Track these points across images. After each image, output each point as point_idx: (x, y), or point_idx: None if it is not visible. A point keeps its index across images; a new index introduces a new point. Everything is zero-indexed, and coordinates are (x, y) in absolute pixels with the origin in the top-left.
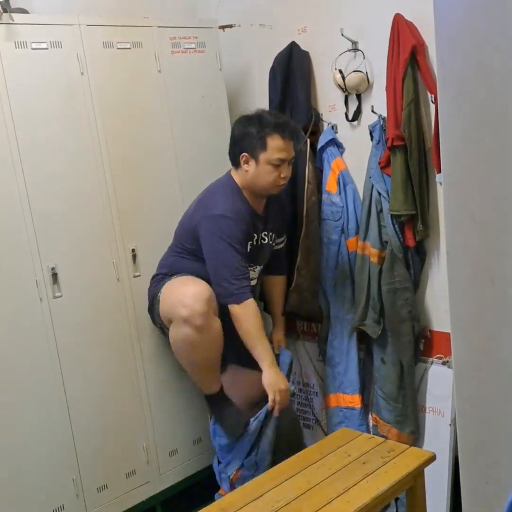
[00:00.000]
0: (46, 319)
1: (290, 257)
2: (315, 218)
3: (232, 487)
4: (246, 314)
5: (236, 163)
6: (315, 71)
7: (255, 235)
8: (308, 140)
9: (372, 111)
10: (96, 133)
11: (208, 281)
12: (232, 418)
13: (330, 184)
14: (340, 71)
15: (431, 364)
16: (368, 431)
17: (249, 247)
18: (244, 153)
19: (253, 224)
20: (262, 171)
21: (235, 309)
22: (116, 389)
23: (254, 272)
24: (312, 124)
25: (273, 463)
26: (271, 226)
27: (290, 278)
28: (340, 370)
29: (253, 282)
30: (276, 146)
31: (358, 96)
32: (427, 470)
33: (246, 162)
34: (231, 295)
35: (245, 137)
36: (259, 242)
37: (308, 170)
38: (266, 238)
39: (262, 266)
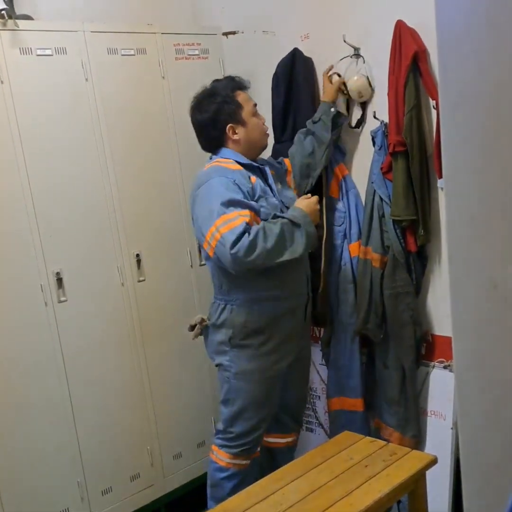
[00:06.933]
0: (51, 324)
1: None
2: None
3: None
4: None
5: (220, 143)
6: (318, 77)
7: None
8: None
9: (374, 117)
10: (100, 139)
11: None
12: None
13: (332, 189)
14: (339, 75)
15: (433, 368)
16: (370, 435)
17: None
18: (229, 125)
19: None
20: (252, 126)
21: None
22: (120, 393)
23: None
24: None
25: None
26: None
27: (316, 283)
28: (343, 374)
29: None
30: (244, 99)
31: (363, 105)
32: (429, 473)
33: (234, 131)
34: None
35: (219, 112)
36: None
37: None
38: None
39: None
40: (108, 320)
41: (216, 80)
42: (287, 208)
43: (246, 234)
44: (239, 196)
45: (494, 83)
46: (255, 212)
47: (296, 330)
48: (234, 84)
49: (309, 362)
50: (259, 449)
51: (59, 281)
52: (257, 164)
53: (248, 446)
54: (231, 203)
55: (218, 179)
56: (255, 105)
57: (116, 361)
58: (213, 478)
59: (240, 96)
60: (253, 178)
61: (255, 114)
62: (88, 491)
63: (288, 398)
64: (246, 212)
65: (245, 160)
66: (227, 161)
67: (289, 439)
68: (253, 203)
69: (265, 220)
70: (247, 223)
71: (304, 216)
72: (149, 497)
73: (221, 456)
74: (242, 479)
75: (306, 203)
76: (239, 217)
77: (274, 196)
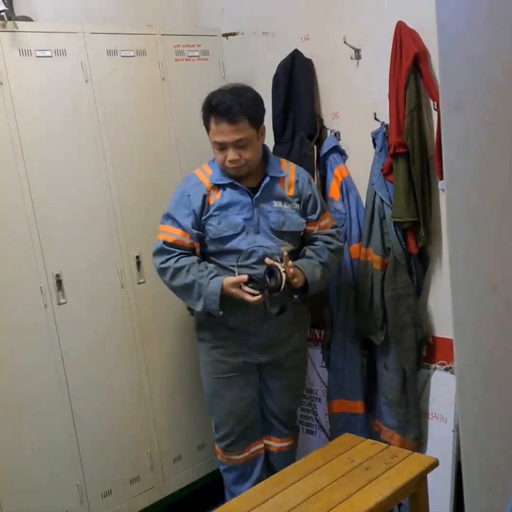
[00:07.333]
0: (50, 326)
1: None
2: None
3: None
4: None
5: None
6: (318, 78)
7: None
8: (315, 147)
9: (375, 118)
10: (100, 141)
11: None
12: None
13: (333, 191)
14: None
15: (434, 370)
16: (371, 437)
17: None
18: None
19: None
20: (214, 151)
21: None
22: (120, 395)
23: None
24: (318, 132)
25: None
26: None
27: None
28: (343, 376)
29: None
30: (212, 129)
31: None
32: (430, 476)
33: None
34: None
35: (202, 119)
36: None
37: (316, 177)
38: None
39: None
40: (108, 322)
41: (218, 91)
42: (272, 229)
43: (162, 256)
44: (182, 213)
45: (494, 85)
46: (191, 234)
47: (254, 339)
48: (210, 110)
49: (296, 373)
50: (253, 449)
51: (59, 283)
52: (231, 181)
53: (229, 441)
54: (169, 217)
55: (178, 189)
56: (219, 144)
57: (115, 363)
58: (220, 470)
59: (212, 124)
60: (218, 194)
61: (217, 147)
62: (88, 494)
63: (271, 404)
64: (177, 231)
65: (215, 179)
66: (207, 171)
67: (283, 445)
68: (187, 226)
69: (212, 240)
70: (169, 242)
71: (213, 293)
72: (149, 500)
73: (217, 450)
74: (241, 474)
75: (229, 285)
76: (164, 233)
77: (242, 213)
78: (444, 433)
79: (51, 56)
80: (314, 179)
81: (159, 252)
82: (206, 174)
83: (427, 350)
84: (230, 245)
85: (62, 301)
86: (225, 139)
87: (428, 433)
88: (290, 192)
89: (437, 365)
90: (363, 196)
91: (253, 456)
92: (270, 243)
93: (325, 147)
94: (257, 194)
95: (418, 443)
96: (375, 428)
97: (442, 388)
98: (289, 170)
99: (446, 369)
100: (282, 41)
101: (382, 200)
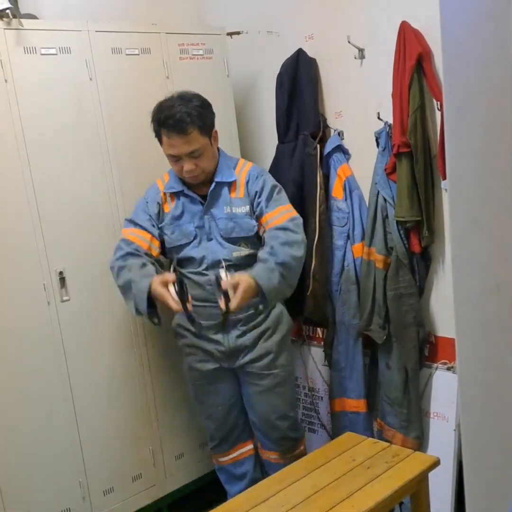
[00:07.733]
0: (54, 323)
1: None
2: (325, 224)
3: None
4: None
5: None
6: (321, 78)
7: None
8: (318, 146)
9: (378, 118)
10: (104, 139)
11: None
12: None
13: (336, 190)
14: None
15: (436, 369)
16: (372, 436)
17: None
18: None
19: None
20: (169, 162)
21: None
22: (122, 393)
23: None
24: (322, 131)
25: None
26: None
27: (304, 283)
28: (345, 375)
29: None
30: (164, 142)
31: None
32: (431, 475)
33: None
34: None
35: (153, 131)
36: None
37: (319, 176)
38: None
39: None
40: (111, 320)
41: (161, 103)
42: (222, 237)
43: (115, 254)
44: (142, 217)
45: (497, 85)
46: (152, 233)
47: (217, 346)
48: (160, 124)
49: (269, 378)
50: (239, 451)
51: (62, 280)
52: (182, 189)
53: (213, 443)
54: (131, 221)
55: (141, 198)
56: (173, 156)
57: (118, 360)
58: None
59: (164, 137)
60: (173, 202)
61: (171, 160)
62: (90, 491)
63: (249, 409)
64: (141, 232)
65: (167, 188)
66: (165, 180)
67: (270, 456)
68: (148, 226)
69: (169, 249)
70: (126, 239)
71: (141, 291)
72: (151, 497)
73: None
74: (230, 475)
75: (157, 283)
76: (126, 234)
77: (194, 221)
78: (445, 432)
79: (56, 54)
80: (317, 179)
81: (115, 251)
82: (164, 183)
83: (429, 350)
84: (183, 253)
85: (65, 298)
86: (178, 152)
87: (429, 432)
88: (241, 194)
89: (439, 365)
90: (366, 195)
91: (240, 457)
92: (221, 249)
93: (329, 146)
94: (206, 202)
95: (420, 442)
96: (376, 427)
97: (443, 388)
98: (242, 172)
99: (448, 369)
100: (286, 40)
101: (385, 199)
